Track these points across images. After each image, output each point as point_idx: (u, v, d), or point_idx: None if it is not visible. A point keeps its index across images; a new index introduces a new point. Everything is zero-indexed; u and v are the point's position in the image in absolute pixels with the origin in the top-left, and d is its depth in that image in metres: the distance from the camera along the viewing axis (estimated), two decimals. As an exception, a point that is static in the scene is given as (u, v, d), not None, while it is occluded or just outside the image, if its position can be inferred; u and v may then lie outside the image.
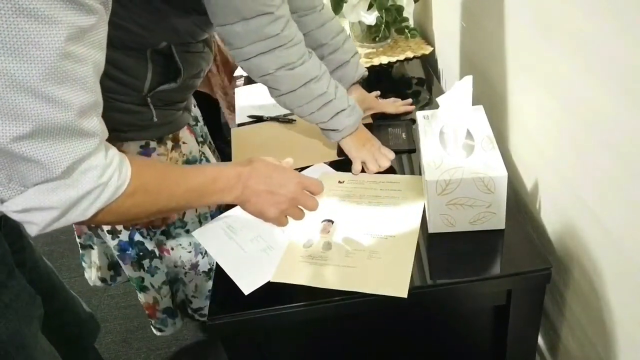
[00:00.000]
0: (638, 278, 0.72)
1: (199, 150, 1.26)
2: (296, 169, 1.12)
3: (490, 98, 1.14)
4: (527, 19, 0.91)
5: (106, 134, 0.62)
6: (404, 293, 0.82)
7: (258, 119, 1.37)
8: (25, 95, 0.50)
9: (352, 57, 1.21)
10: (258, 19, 0.91)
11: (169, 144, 1.15)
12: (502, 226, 0.91)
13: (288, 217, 0.85)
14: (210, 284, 1.33)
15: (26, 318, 0.82)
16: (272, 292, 0.87)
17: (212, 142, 1.42)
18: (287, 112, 1.34)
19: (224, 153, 1.59)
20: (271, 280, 0.88)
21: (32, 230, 0.60)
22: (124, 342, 1.74)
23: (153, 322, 1.37)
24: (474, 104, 0.94)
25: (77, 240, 1.36)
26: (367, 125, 1.23)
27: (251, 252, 0.94)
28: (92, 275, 1.39)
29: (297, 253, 0.92)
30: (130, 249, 1.23)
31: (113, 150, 0.62)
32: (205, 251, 1.30)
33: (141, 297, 1.32)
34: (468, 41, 1.29)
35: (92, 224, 0.65)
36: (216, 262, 0.94)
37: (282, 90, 1.01)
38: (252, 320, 0.85)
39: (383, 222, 0.96)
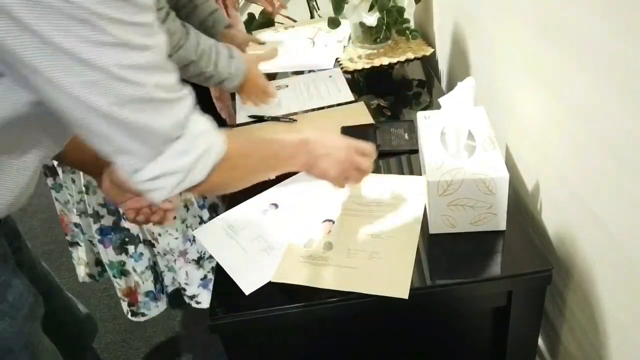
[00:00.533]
0: (638, 279, 0.72)
1: None
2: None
3: (491, 99, 1.14)
4: (528, 20, 0.91)
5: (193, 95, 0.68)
6: (404, 294, 0.82)
7: (258, 119, 1.36)
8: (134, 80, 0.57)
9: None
10: None
11: None
12: (502, 227, 0.91)
13: (346, 181, 0.89)
14: (201, 272, 1.35)
15: (30, 317, 0.82)
16: (273, 292, 0.87)
17: None
18: (288, 112, 1.35)
19: None
20: (272, 281, 0.88)
21: (159, 196, 0.65)
22: (124, 342, 1.74)
23: (134, 308, 1.37)
24: (475, 105, 0.94)
25: (66, 237, 1.37)
26: (368, 126, 1.23)
27: (252, 252, 0.94)
28: (81, 272, 1.41)
29: (298, 253, 0.92)
30: (113, 233, 1.25)
31: (206, 117, 0.68)
32: (194, 238, 1.31)
33: (121, 282, 1.33)
34: (469, 42, 1.29)
35: (205, 191, 0.71)
36: (216, 261, 0.94)
37: None
38: (253, 321, 0.85)
39: (384, 222, 0.96)
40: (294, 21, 1.98)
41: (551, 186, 0.95)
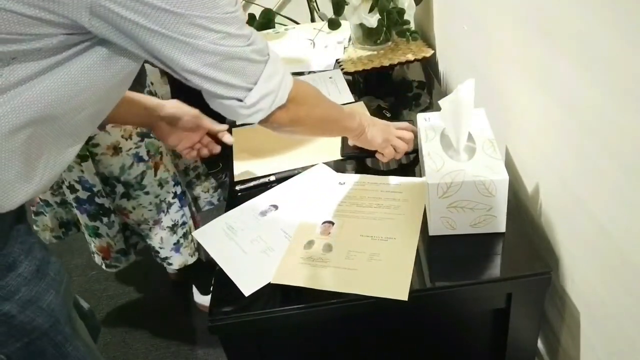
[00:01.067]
0: (638, 281, 0.72)
1: None
2: (296, 170, 1.13)
3: (492, 101, 1.14)
4: (528, 21, 0.91)
5: None
6: (404, 296, 0.82)
7: (259, 120, 1.37)
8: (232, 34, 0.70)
9: None
10: None
11: None
12: (502, 229, 0.91)
13: (393, 152, 1.03)
14: (174, 237, 1.43)
15: (69, 293, 0.86)
16: (272, 293, 0.87)
17: None
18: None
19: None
20: (271, 282, 0.88)
21: (259, 117, 0.75)
22: (123, 342, 1.74)
23: (108, 262, 1.47)
24: (475, 106, 0.94)
25: (31, 209, 1.47)
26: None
27: (251, 253, 0.94)
28: (46, 236, 1.50)
29: (298, 254, 0.92)
30: (88, 205, 1.34)
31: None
32: (168, 209, 1.39)
33: (95, 241, 1.42)
34: (469, 44, 1.29)
35: (283, 122, 0.81)
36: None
37: None
38: (252, 322, 0.85)
39: (384, 224, 0.96)
40: (297, 23, 1.99)
41: (551, 188, 0.95)
